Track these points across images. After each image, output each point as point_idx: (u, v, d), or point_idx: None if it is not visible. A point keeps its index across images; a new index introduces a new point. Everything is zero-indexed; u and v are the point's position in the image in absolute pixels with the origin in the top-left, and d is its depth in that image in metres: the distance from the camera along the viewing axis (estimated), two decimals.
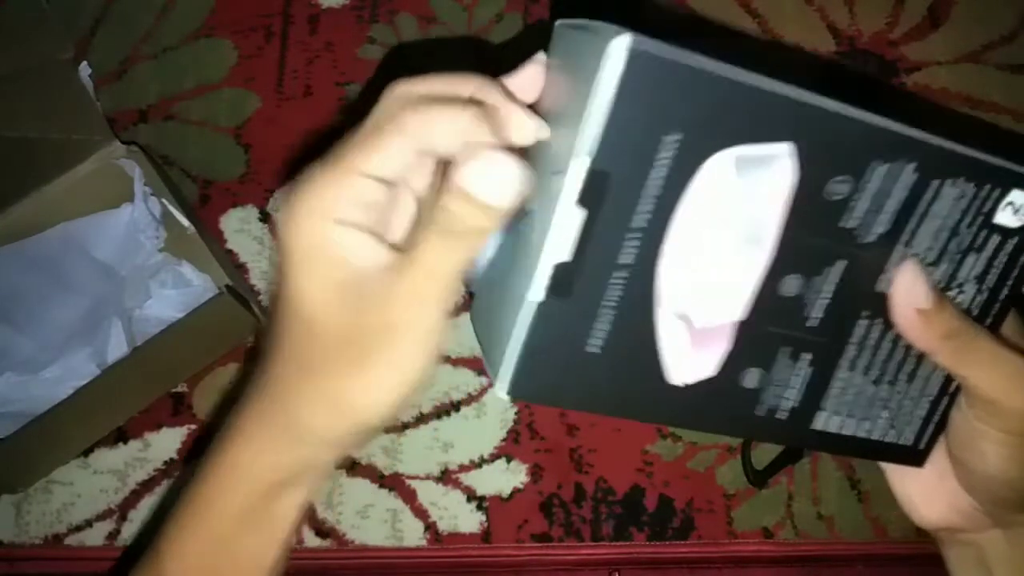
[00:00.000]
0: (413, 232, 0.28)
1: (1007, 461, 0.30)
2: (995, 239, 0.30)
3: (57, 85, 0.55)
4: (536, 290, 0.25)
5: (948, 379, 0.31)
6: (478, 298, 0.30)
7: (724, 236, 0.26)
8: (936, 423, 0.32)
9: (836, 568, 0.58)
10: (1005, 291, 0.31)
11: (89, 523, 0.55)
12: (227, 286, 0.54)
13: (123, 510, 0.56)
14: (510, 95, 0.27)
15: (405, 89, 0.27)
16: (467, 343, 0.59)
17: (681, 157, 0.24)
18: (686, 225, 0.25)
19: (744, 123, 0.25)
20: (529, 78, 0.28)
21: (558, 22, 0.27)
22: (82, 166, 0.58)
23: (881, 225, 0.28)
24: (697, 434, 0.59)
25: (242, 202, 0.61)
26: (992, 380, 0.29)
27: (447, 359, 0.59)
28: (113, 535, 0.55)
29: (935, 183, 0.28)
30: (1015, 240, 0.30)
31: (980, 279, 0.30)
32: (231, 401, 0.31)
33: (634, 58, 0.23)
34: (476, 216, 0.24)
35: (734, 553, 0.58)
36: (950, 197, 0.29)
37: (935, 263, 0.29)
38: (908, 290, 0.29)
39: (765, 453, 0.57)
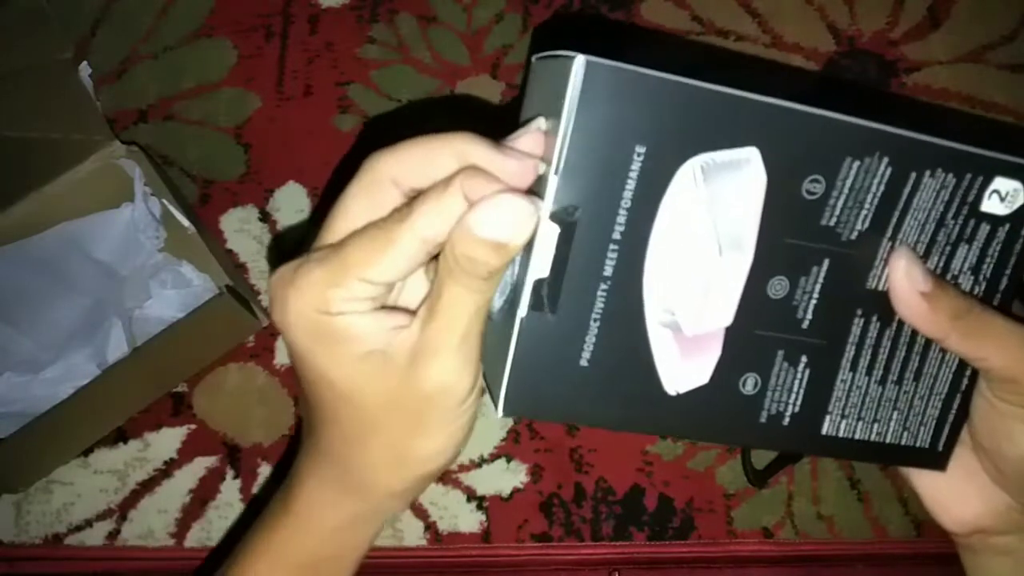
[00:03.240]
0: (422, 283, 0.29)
1: None
2: (985, 228, 0.30)
3: (57, 85, 0.55)
4: (521, 307, 0.26)
5: (958, 376, 0.31)
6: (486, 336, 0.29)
7: (704, 243, 0.27)
8: (952, 423, 0.31)
9: (836, 568, 0.58)
10: (1005, 281, 0.31)
11: (89, 523, 0.56)
12: (227, 286, 0.54)
13: (123, 510, 0.56)
14: (498, 150, 0.26)
15: (386, 166, 0.26)
16: None
17: (650, 168, 0.25)
18: (665, 235, 0.26)
19: (705, 130, 0.26)
20: (528, 145, 0.26)
21: (534, 57, 0.28)
22: (82, 166, 0.58)
23: (863, 221, 0.28)
24: None
25: (242, 202, 0.61)
26: (1010, 356, 0.29)
27: None
28: (113, 535, 0.55)
29: (912, 175, 0.28)
30: (1007, 227, 0.30)
31: (976, 270, 0.30)
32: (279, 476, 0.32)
33: (590, 74, 0.24)
34: (490, 256, 0.24)
35: (734, 553, 0.58)
36: (931, 189, 0.29)
37: (925, 256, 0.29)
38: (906, 275, 0.28)
39: (765, 453, 0.57)
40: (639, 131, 0.25)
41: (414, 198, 0.26)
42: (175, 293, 0.56)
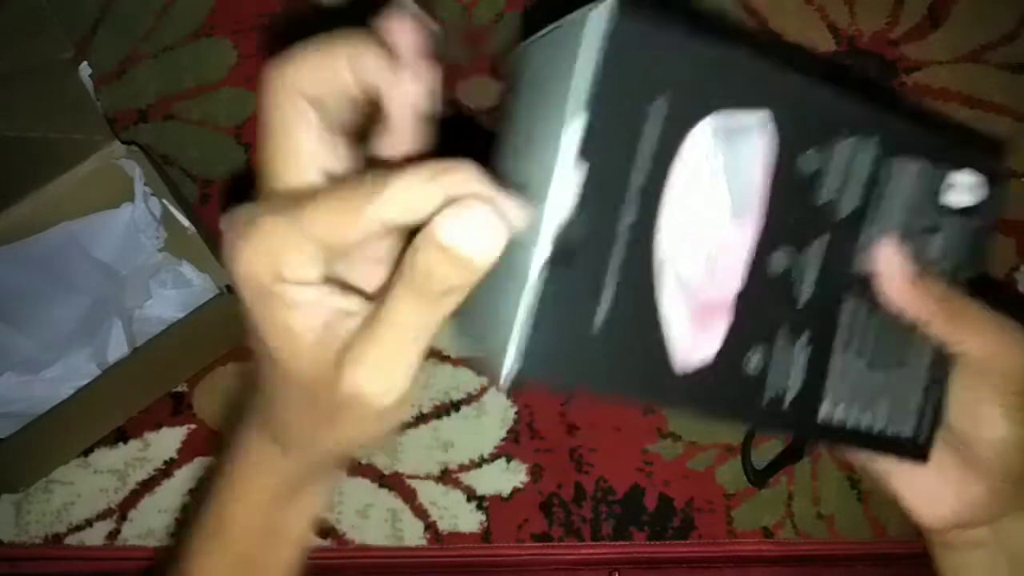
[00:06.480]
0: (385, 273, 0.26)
1: (1018, 424, 0.30)
2: (949, 219, 0.31)
3: (57, 85, 0.55)
4: (538, 256, 0.23)
5: (932, 365, 0.31)
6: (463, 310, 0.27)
7: (714, 204, 0.26)
8: (932, 414, 0.32)
9: (836, 568, 0.58)
10: (969, 272, 0.31)
11: (89, 523, 0.56)
12: (227, 286, 0.54)
13: (123, 510, 0.56)
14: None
15: (293, 79, 0.25)
16: None
17: (670, 120, 0.25)
18: (679, 192, 0.25)
19: (725, 89, 0.25)
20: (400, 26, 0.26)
21: (520, 45, 0.28)
22: (82, 166, 0.58)
23: (851, 201, 0.29)
24: (697, 433, 0.59)
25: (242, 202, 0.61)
26: (987, 340, 0.30)
27: (447, 359, 0.59)
28: (113, 535, 0.55)
29: (893, 160, 0.29)
30: (966, 220, 0.31)
31: (942, 261, 0.31)
32: (234, 409, 0.32)
33: (620, 15, 0.23)
34: (453, 273, 0.21)
35: (734, 553, 0.58)
36: (907, 175, 0.29)
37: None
38: (896, 259, 0.29)
39: (765, 453, 0.57)
40: (660, 82, 0.24)
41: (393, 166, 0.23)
42: (175, 293, 0.56)
